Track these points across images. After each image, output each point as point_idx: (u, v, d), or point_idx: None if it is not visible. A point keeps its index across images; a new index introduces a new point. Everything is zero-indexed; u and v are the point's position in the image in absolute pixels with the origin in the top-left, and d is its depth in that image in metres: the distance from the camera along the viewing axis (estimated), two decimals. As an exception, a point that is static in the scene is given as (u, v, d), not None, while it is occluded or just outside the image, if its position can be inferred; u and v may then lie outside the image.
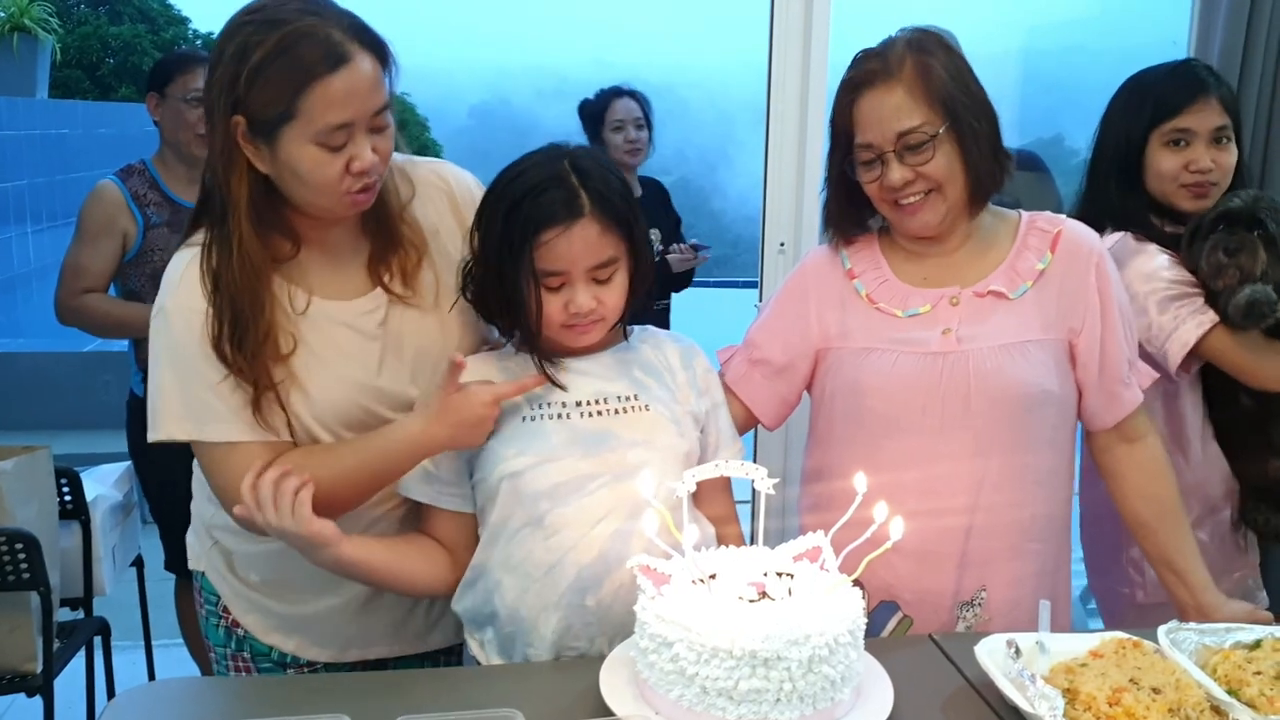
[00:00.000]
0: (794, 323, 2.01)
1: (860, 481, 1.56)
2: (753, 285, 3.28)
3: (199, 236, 1.71)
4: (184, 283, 1.70)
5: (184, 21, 20.05)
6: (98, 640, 3.10)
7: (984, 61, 1.93)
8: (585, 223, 1.67)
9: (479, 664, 1.79)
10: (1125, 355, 1.95)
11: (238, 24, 1.61)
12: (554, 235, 1.66)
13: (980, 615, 1.92)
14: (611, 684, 1.52)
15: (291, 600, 1.87)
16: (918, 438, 1.89)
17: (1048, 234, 1.95)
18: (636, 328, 1.88)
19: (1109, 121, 2.36)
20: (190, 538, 1.97)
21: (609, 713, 1.45)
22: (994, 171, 1.89)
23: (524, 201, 1.67)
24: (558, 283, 1.70)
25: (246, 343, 1.66)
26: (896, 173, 1.85)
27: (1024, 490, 1.90)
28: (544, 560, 1.70)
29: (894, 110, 1.83)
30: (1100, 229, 2.22)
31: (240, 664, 1.93)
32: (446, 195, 1.90)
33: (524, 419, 1.74)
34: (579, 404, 1.76)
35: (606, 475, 1.71)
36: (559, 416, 1.74)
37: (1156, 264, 2.23)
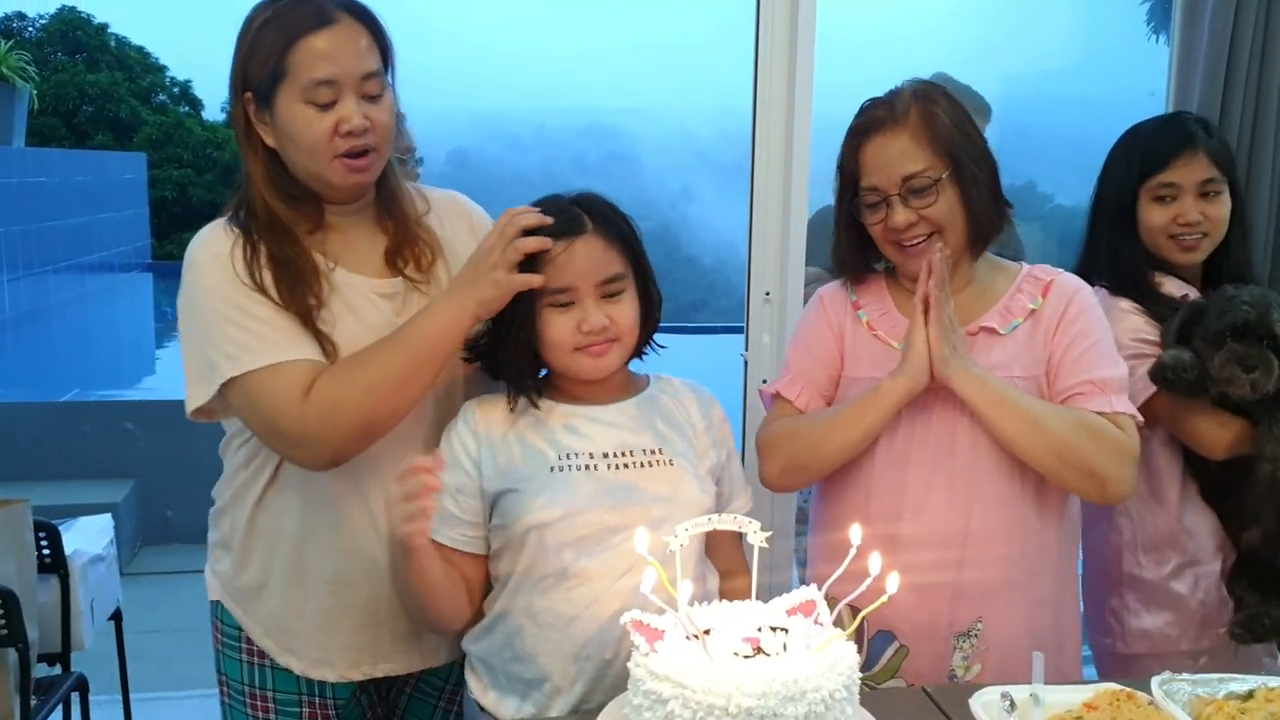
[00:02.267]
0: (824, 346, 2.06)
1: (855, 534, 1.56)
2: (731, 330, 3.27)
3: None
4: (211, 235, 1.80)
5: (161, 69, 20.09)
6: (75, 695, 3.05)
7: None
8: (589, 237, 1.73)
9: (479, 705, 1.78)
10: (1085, 375, 1.93)
11: (252, 10, 1.76)
12: (559, 250, 1.70)
13: (977, 647, 1.94)
14: (605, 741, 1.50)
15: (300, 603, 1.87)
16: (912, 471, 1.93)
17: (1041, 281, 2.00)
18: (653, 375, 1.90)
19: (1105, 173, 2.37)
20: (207, 569, 1.98)
21: (603, 771, 1.44)
22: (994, 217, 1.96)
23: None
24: (567, 299, 1.72)
25: (296, 278, 1.75)
26: (900, 215, 1.90)
27: (1014, 524, 1.93)
28: (566, 612, 1.70)
29: (899, 155, 1.90)
30: (1092, 280, 2.25)
31: (258, 701, 1.92)
32: (465, 218, 1.99)
33: (552, 469, 1.74)
34: (606, 455, 1.76)
35: (630, 529, 1.68)
36: (586, 468, 1.75)
37: (1125, 323, 2.24)
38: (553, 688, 1.72)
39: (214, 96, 19.14)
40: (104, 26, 19.36)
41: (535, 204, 1.79)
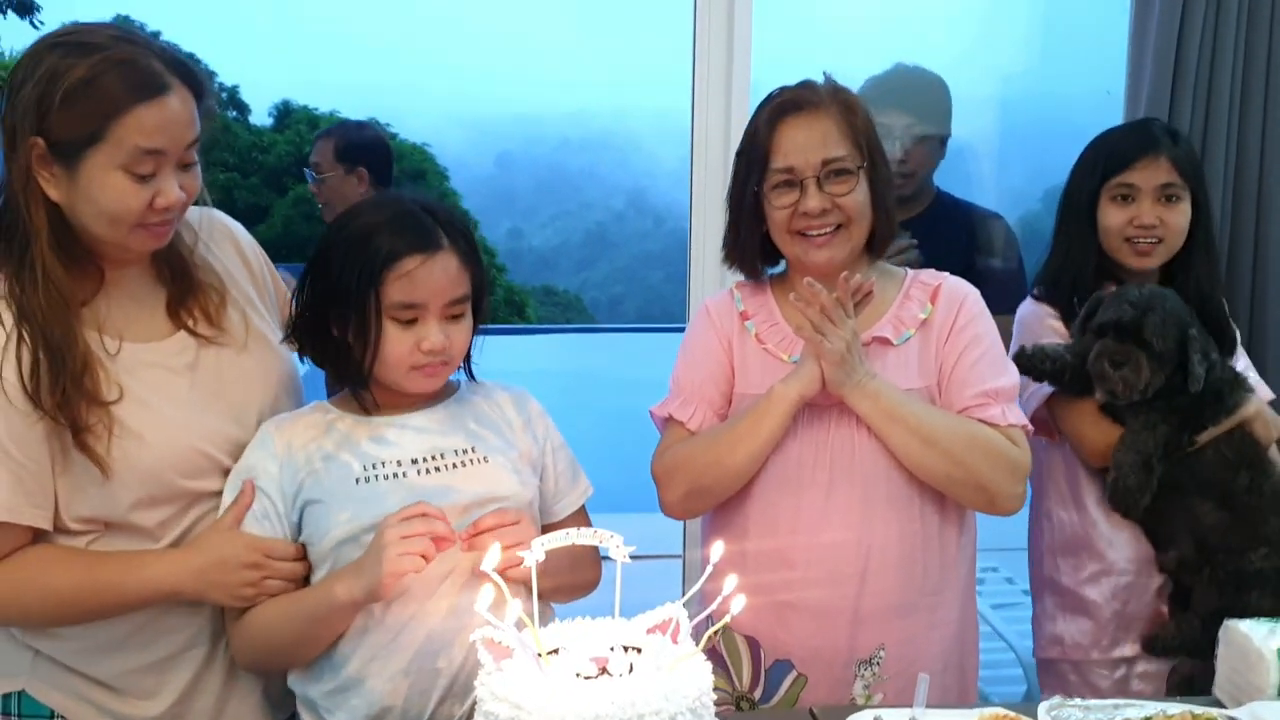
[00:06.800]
0: (714, 361, 1.99)
1: (716, 551, 1.50)
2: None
3: None
4: None
5: (211, 75, 20.31)
6: None
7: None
8: (446, 254, 1.68)
9: None
10: (978, 387, 1.87)
11: (47, 46, 1.59)
12: (414, 265, 1.65)
13: (879, 675, 1.87)
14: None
15: (137, 684, 1.75)
16: (809, 493, 1.86)
17: (929, 286, 1.96)
18: (463, 381, 1.86)
19: (1071, 176, 2.37)
20: None
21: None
22: (893, 221, 1.94)
23: (379, 234, 1.66)
24: (410, 316, 1.67)
25: (61, 376, 1.59)
26: (814, 200, 1.85)
27: (914, 545, 1.87)
28: (390, 626, 1.65)
29: (822, 136, 1.86)
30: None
31: None
32: (230, 240, 1.89)
33: (356, 481, 1.69)
34: (414, 461, 1.71)
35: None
36: (394, 476, 1.69)
37: (1042, 329, 2.26)
38: (385, 709, 1.66)
39: (260, 101, 19.38)
40: (157, 34, 19.58)
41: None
